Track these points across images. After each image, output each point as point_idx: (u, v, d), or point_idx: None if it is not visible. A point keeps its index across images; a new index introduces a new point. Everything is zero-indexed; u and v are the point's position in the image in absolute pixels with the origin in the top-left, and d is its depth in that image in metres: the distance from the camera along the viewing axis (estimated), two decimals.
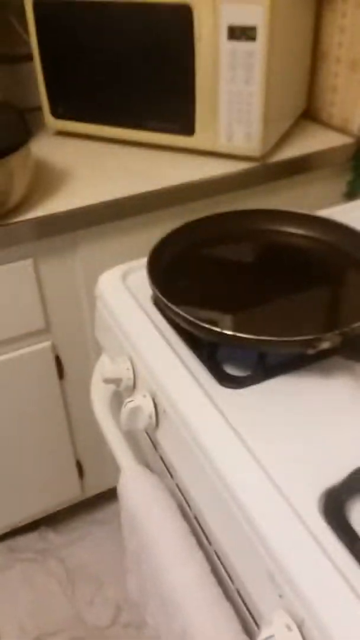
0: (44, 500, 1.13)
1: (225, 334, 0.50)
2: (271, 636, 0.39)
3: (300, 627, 0.39)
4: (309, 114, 1.06)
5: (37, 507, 1.13)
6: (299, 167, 0.93)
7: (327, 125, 1.03)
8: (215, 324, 0.51)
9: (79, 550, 1.19)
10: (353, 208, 0.80)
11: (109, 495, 1.21)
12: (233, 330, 0.50)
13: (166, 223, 0.89)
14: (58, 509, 1.16)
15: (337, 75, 0.98)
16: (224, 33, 0.81)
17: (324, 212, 0.77)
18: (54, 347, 0.94)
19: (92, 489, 1.17)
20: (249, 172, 0.89)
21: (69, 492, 1.14)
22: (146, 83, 0.89)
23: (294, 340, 0.49)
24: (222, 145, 0.90)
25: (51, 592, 1.12)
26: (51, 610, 1.10)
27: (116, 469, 0.60)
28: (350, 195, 0.99)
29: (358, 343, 0.47)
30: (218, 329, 0.50)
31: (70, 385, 1.00)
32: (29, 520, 1.16)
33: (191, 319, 0.52)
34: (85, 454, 1.11)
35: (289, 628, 0.39)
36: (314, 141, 0.96)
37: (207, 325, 0.51)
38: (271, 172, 0.91)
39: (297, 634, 0.39)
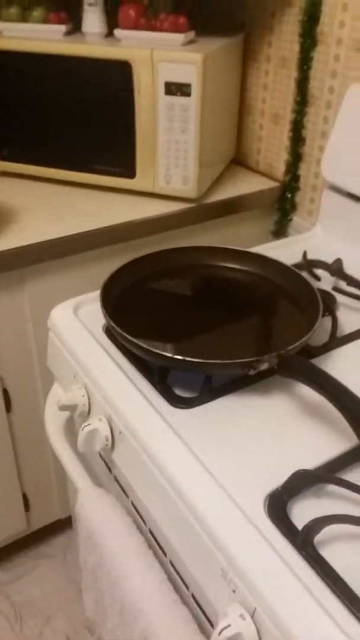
0: None
1: (176, 358, 0.55)
2: (227, 626, 0.44)
3: (252, 616, 0.44)
4: (239, 160, 1.16)
5: None
6: (231, 207, 1.02)
7: (255, 171, 1.13)
8: (164, 349, 0.56)
9: (25, 586, 1.18)
10: (281, 245, 0.88)
11: (55, 528, 1.21)
12: (182, 355, 0.55)
13: (110, 259, 0.95)
14: (4, 544, 1.16)
15: (261, 126, 1.09)
16: (161, 88, 0.89)
17: (255, 249, 0.86)
18: (1, 381, 0.96)
19: (38, 522, 1.18)
20: (186, 212, 0.97)
21: (15, 526, 1.14)
22: (91, 130, 0.96)
23: (237, 362, 0.55)
24: (161, 188, 0.98)
25: None
26: None
27: (62, 501, 0.63)
28: (277, 234, 1.09)
29: (292, 363, 0.54)
30: (169, 354, 0.56)
31: (17, 418, 1.02)
32: None
33: (145, 346, 0.57)
34: (31, 487, 1.12)
35: (242, 617, 0.44)
36: (244, 185, 1.06)
37: (159, 352, 0.56)
38: (206, 212, 0.99)
39: (250, 622, 0.44)
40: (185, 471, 0.52)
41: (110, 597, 0.58)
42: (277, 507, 0.49)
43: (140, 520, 0.61)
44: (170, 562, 0.57)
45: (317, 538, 0.46)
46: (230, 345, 0.62)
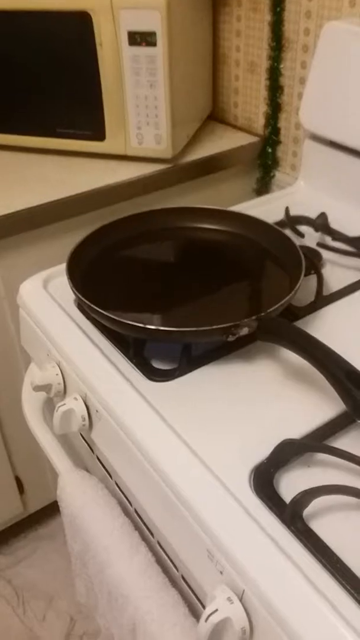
0: None
1: (149, 328, 0.51)
2: (215, 610, 0.41)
3: (241, 599, 0.41)
4: (216, 115, 1.10)
5: None
6: (210, 166, 0.96)
7: (234, 126, 1.07)
8: (138, 320, 0.52)
9: (26, 569, 1.17)
10: (262, 202, 0.83)
11: (53, 509, 1.19)
12: (156, 325, 0.51)
13: (84, 228, 0.88)
14: (1, 529, 1.14)
15: (237, 77, 1.03)
16: (124, 39, 0.83)
17: (235, 207, 0.81)
18: None
19: (35, 505, 1.15)
20: (162, 174, 0.91)
21: (11, 510, 1.12)
22: (54, 90, 0.90)
23: (214, 329, 0.51)
24: (133, 149, 0.92)
25: (1, 613, 1.10)
26: (3, 630, 1.07)
27: (57, 481, 0.60)
28: (259, 192, 1.04)
29: (273, 326, 0.50)
30: (141, 325, 0.51)
31: (1, 400, 0.98)
32: None
33: (115, 317, 0.53)
34: (23, 469, 1.09)
35: (230, 600, 0.41)
36: (222, 141, 1.00)
37: (130, 322, 0.52)
38: (183, 172, 0.94)
39: (239, 605, 0.41)
40: (164, 448, 0.49)
41: (99, 583, 0.56)
42: (264, 480, 0.46)
43: (126, 501, 0.58)
44: (158, 543, 0.54)
45: (307, 511, 0.43)
46: (209, 311, 0.58)
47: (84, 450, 0.65)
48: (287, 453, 0.46)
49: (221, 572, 0.43)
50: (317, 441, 0.48)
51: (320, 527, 0.42)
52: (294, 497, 0.42)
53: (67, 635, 1.06)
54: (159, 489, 0.48)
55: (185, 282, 0.63)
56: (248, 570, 0.40)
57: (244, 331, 0.52)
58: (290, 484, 0.45)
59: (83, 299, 0.56)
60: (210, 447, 0.49)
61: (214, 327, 0.51)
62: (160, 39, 0.82)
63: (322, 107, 0.78)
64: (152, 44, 0.82)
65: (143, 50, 0.83)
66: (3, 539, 1.20)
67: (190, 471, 0.47)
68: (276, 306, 0.53)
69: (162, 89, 0.86)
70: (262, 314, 0.52)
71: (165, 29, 0.81)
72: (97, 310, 0.54)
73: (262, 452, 0.48)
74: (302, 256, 0.60)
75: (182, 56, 0.88)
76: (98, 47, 0.84)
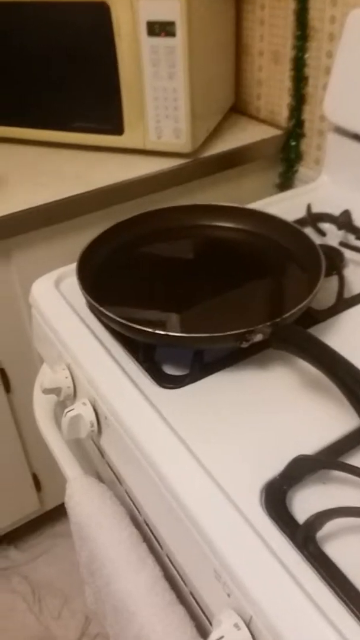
0: (2, 517, 1.10)
1: (158, 333, 0.49)
2: (221, 637, 0.38)
3: (248, 625, 0.39)
4: (238, 107, 1.07)
5: None
6: (231, 161, 0.93)
7: (256, 119, 1.03)
8: (147, 324, 0.50)
9: (43, 565, 1.16)
10: (283, 199, 0.80)
11: None
12: (166, 330, 0.49)
13: (101, 225, 0.87)
14: (17, 525, 1.14)
15: (261, 68, 0.99)
16: (143, 29, 0.80)
17: (255, 205, 0.78)
18: None
19: (51, 502, 1.15)
20: (181, 169, 0.89)
21: (28, 506, 1.12)
22: (71, 83, 0.88)
23: (226, 335, 0.49)
24: (152, 143, 0.90)
25: (17, 610, 1.10)
26: (19, 627, 1.07)
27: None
28: (282, 187, 1.00)
29: (287, 334, 0.47)
30: (150, 330, 0.49)
31: (18, 398, 0.98)
32: None
33: (121, 321, 0.51)
34: (40, 466, 1.08)
35: (237, 627, 0.39)
36: (244, 134, 0.97)
37: (139, 327, 0.50)
38: (203, 167, 0.91)
39: (246, 632, 0.38)
40: (172, 460, 0.47)
41: (105, 594, 0.54)
42: (275, 498, 0.43)
43: (135, 510, 0.56)
44: (167, 556, 0.52)
45: (320, 533, 0.40)
46: (224, 315, 0.56)
47: (95, 454, 0.63)
48: (301, 469, 0.44)
49: (228, 595, 0.41)
50: (333, 457, 0.45)
51: (334, 550, 0.40)
52: (308, 519, 0.39)
53: (81, 635, 1.05)
54: (165, 502, 0.46)
55: (199, 283, 0.60)
56: (256, 596, 0.38)
57: (258, 337, 0.49)
58: (303, 503, 0.43)
59: (92, 301, 0.54)
60: (220, 460, 0.46)
61: (227, 333, 0.48)
62: (180, 29, 0.79)
63: (348, 99, 0.74)
64: (172, 34, 0.80)
65: (162, 41, 0.80)
66: (20, 535, 1.20)
67: (197, 485, 0.45)
68: (293, 311, 0.50)
69: (181, 80, 0.83)
70: (278, 319, 0.49)
71: (185, 18, 0.78)
72: (106, 314, 0.52)
73: (275, 466, 0.45)
74: (322, 256, 0.57)
75: (202, 47, 0.85)
76: (116, 38, 0.81)
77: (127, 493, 0.57)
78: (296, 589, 0.38)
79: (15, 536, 1.20)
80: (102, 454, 0.61)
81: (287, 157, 0.97)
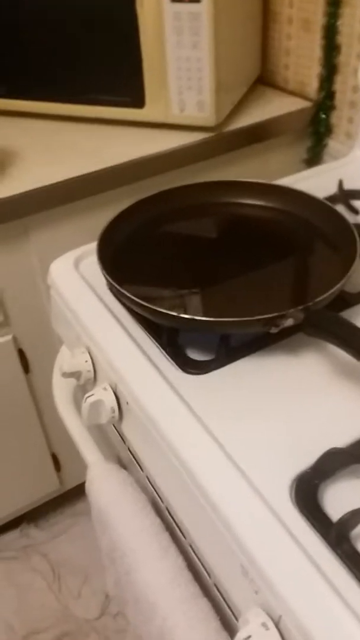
0: (22, 496, 1.10)
1: (182, 317, 0.47)
2: (249, 637, 0.37)
3: (277, 625, 0.37)
4: (264, 79, 1.02)
5: (16, 504, 1.11)
6: (257, 135, 0.89)
7: (283, 90, 0.99)
8: (172, 307, 0.48)
9: (63, 544, 1.17)
10: (312, 174, 0.76)
11: None
12: (191, 314, 0.46)
13: (122, 202, 0.84)
14: (38, 504, 1.14)
15: (290, 36, 0.94)
16: None
17: (282, 181, 0.74)
18: (15, 341, 0.90)
19: (71, 481, 1.15)
20: (205, 143, 0.85)
21: (48, 486, 1.12)
22: (89, 54, 0.84)
23: (255, 320, 0.46)
24: (174, 117, 0.86)
25: (37, 588, 1.10)
26: (38, 606, 1.08)
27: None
28: (310, 162, 0.96)
29: (322, 321, 0.44)
30: (174, 313, 0.47)
31: (37, 379, 0.97)
32: (9, 518, 1.13)
33: (145, 304, 0.48)
34: (60, 446, 1.08)
35: (265, 627, 0.37)
36: (271, 107, 0.93)
37: (163, 310, 0.47)
38: (228, 142, 0.87)
39: (275, 632, 0.37)
40: (196, 449, 0.45)
41: (126, 583, 0.53)
42: (307, 492, 0.41)
43: (157, 497, 0.55)
44: (190, 546, 0.51)
45: (355, 531, 0.38)
46: (251, 298, 0.53)
47: (117, 439, 0.62)
48: (333, 463, 0.41)
49: (256, 592, 0.39)
50: None
51: None
52: (342, 517, 0.37)
53: (101, 614, 1.06)
54: (189, 492, 0.44)
55: (225, 263, 0.57)
56: (285, 594, 0.36)
57: (289, 322, 0.47)
58: (335, 498, 0.41)
59: (113, 282, 0.52)
60: (247, 450, 0.44)
61: (256, 317, 0.46)
62: None
63: None
64: None
65: (186, 7, 0.76)
66: (40, 514, 1.20)
67: (223, 476, 0.43)
68: (326, 295, 0.47)
69: (205, 50, 0.79)
70: (310, 303, 0.46)
71: None
72: (128, 296, 0.50)
73: (306, 458, 0.43)
74: (356, 235, 0.54)
75: (228, 13, 0.81)
76: (138, 5, 0.77)
77: (148, 479, 0.56)
78: (328, 588, 0.36)
79: (35, 515, 1.20)
80: (123, 439, 0.59)
81: (316, 130, 0.93)
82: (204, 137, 0.85)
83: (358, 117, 0.87)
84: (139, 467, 0.57)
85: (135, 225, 0.61)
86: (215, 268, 0.57)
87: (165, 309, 0.48)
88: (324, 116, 0.92)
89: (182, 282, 0.55)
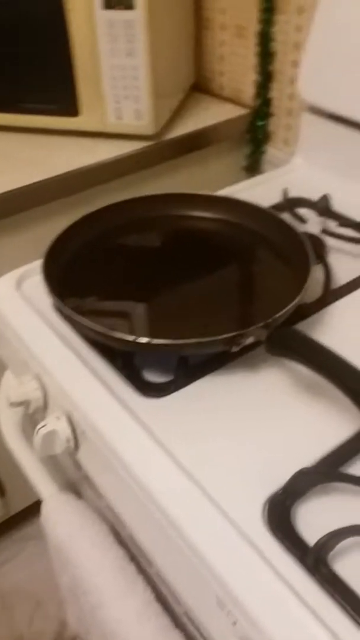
0: None
1: (140, 342, 0.45)
2: None
3: None
4: (199, 85, 1.01)
5: None
6: (196, 143, 0.88)
7: (219, 97, 0.98)
8: (127, 331, 0.46)
9: (12, 570, 1.12)
10: (256, 183, 0.76)
11: (38, 508, 1.14)
12: (149, 337, 0.45)
13: (64, 215, 0.82)
14: None
15: (223, 43, 0.94)
16: (98, 2, 0.74)
17: (226, 191, 0.73)
18: None
19: (17, 505, 1.10)
20: (144, 152, 0.83)
21: None
22: (20, 61, 0.81)
23: (217, 340, 0.45)
24: (111, 125, 0.84)
25: None
26: None
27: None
28: (249, 169, 0.96)
29: (283, 338, 0.44)
30: (131, 338, 0.45)
31: None
32: None
33: (99, 329, 0.46)
34: (3, 470, 1.03)
35: None
36: (208, 114, 0.92)
37: (119, 336, 0.45)
38: (167, 150, 0.86)
39: None
40: (161, 477, 0.43)
41: (91, 620, 0.50)
42: (280, 515, 0.40)
43: (119, 526, 0.52)
44: (157, 575, 0.49)
45: (332, 554, 0.37)
46: (209, 316, 0.51)
47: (71, 467, 0.59)
48: (303, 483, 0.40)
49: (234, 623, 0.38)
50: (335, 466, 0.42)
51: (346, 570, 0.37)
52: (319, 541, 0.36)
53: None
54: (156, 523, 0.42)
55: (178, 280, 0.56)
56: (266, 625, 0.35)
57: (250, 340, 0.46)
58: (307, 517, 0.40)
59: (63, 306, 0.49)
60: (215, 475, 0.43)
61: (217, 338, 0.44)
62: (139, 1, 0.73)
63: (324, 76, 0.71)
64: (130, 7, 0.73)
65: (120, 15, 0.74)
66: None
67: (192, 503, 0.41)
68: (285, 310, 0.47)
69: (141, 58, 0.77)
70: (270, 320, 0.45)
71: None
72: (79, 320, 0.47)
73: (275, 479, 0.42)
74: (308, 247, 0.54)
75: (162, 20, 0.79)
76: (68, 12, 0.75)
77: (108, 508, 0.53)
78: (309, 615, 0.35)
79: None
80: (78, 467, 0.57)
81: (254, 137, 0.93)
82: (143, 146, 0.83)
83: (295, 124, 0.88)
84: (96, 496, 0.55)
85: (82, 242, 0.58)
86: (168, 285, 0.55)
87: (121, 333, 0.46)
88: (261, 123, 0.92)
89: (134, 302, 0.53)
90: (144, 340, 0.44)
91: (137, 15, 0.74)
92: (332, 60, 0.69)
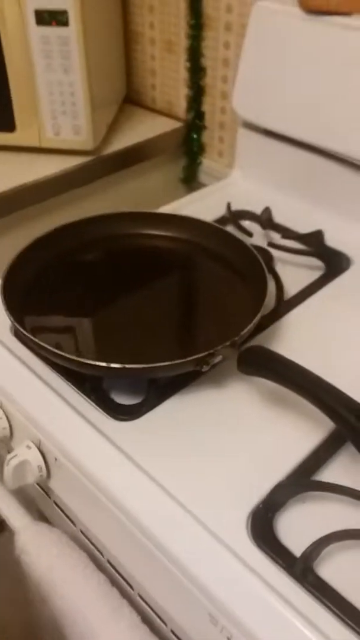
0: None
1: (114, 367, 0.45)
2: None
3: None
4: (131, 98, 1.02)
5: None
6: (135, 156, 0.89)
7: (152, 110, 1.00)
8: (97, 357, 0.46)
9: None
10: (199, 197, 0.78)
11: None
12: (120, 362, 0.45)
13: (2, 235, 0.80)
14: None
15: (153, 57, 0.95)
16: (31, 18, 0.73)
17: (170, 207, 0.75)
18: None
19: None
20: (84, 168, 0.83)
21: None
22: None
23: (187, 361, 0.46)
24: (49, 141, 0.83)
25: None
26: None
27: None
28: (186, 180, 0.98)
29: (257, 359, 0.45)
30: (103, 364, 0.45)
31: None
32: None
33: (70, 357, 0.46)
34: None
35: None
36: (144, 128, 0.93)
37: (90, 362, 0.45)
38: (106, 165, 0.86)
39: None
40: (144, 501, 0.43)
41: None
42: (263, 528, 0.41)
43: (96, 551, 0.52)
44: (140, 596, 0.49)
45: (317, 562, 0.39)
46: (173, 337, 0.53)
47: (40, 497, 0.58)
48: (283, 495, 0.42)
49: (229, 639, 0.39)
50: (308, 475, 0.45)
51: (331, 575, 0.39)
52: (305, 551, 0.38)
53: None
54: (139, 546, 0.43)
55: (136, 300, 0.56)
56: (263, 637, 0.37)
57: (219, 359, 0.47)
58: (290, 528, 0.42)
59: (25, 331, 0.49)
60: (196, 493, 0.44)
61: (187, 359, 0.45)
62: (73, 18, 0.73)
63: (256, 94, 0.73)
64: (64, 23, 0.73)
65: (54, 31, 0.73)
66: None
67: (176, 524, 0.42)
68: (250, 325, 0.48)
69: (78, 74, 0.77)
70: (236, 337, 0.47)
71: (78, 6, 0.72)
72: (46, 348, 0.47)
73: (254, 493, 0.43)
74: (262, 262, 0.56)
75: (95, 36, 0.79)
76: (0, 27, 0.73)
77: (83, 533, 0.53)
78: (303, 622, 0.36)
79: None
80: (48, 495, 0.56)
81: (189, 150, 0.95)
82: (84, 161, 0.83)
83: (228, 137, 0.91)
84: (68, 521, 0.54)
85: (38, 266, 0.57)
86: (130, 305, 0.56)
87: (90, 359, 0.46)
88: (195, 136, 0.94)
89: (97, 324, 0.53)
90: (116, 365, 0.45)
91: (72, 32, 0.74)
92: (264, 78, 0.72)
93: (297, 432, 0.48)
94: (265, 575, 0.39)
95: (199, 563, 0.40)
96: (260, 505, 0.42)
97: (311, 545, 0.38)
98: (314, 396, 0.40)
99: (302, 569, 0.38)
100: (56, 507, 0.55)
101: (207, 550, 0.40)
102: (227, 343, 0.46)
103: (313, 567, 0.39)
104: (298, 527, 0.42)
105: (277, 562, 0.39)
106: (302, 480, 0.44)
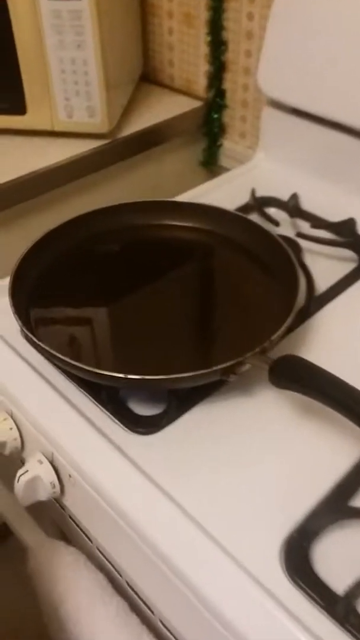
0: None
1: (132, 379, 0.41)
2: None
3: None
4: (148, 76, 0.96)
5: None
6: (152, 139, 0.84)
7: (170, 88, 0.94)
8: (115, 368, 0.41)
9: None
10: (221, 183, 0.73)
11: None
12: (140, 373, 0.41)
13: (14, 225, 0.75)
14: None
15: (171, 31, 0.89)
16: None
17: (190, 194, 0.70)
18: None
19: None
20: (99, 152, 0.78)
21: None
22: None
23: (211, 372, 0.41)
24: (62, 124, 0.78)
25: None
26: None
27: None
28: (206, 164, 0.92)
29: (286, 368, 0.41)
30: (121, 375, 0.41)
31: None
32: None
33: (86, 367, 0.42)
34: None
35: None
36: (161, 108, 0.87)
37: (107, 373, 0.41)
38: (123, 149, 0.81)
39: None
40: (164, 526, 0.39)
41: None
42: (298, 561, 0.37)
43: (114, 572, 0.49)
44: (161, 622, 0.45)
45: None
46: (194, 340, 0.48)
47: (55, 510, 0.54)
48: (319, 523, 0.38)
49: None
50: (344, 499, 0.40)
51: None
52: (348, 590, 0.34)
53: None
54: (160, 574, 0.39)
55: (160, 301, 0.52)
56: None
57: (246, 367, 0.43)
58: (328, 559, 0.38)
59: (37, 340, 0.44)
60: (221, 519, 0.40)
61: (213, 369, 0.41)
62: None
63: (284, 70, 0.67)
64: None
65: (65, 4, 0.68)
66: None
67: (201, 554, 0.38)
68: (280, 330, 0.44)
69: (91, 50, 0.71)
70: (266, 344, 0.42)
71: None
72: (63, 359, 0.43)
73: (287, 518, 0.39)
74: (294, 258, 0.51)
75: (110, 10, 0.74)
76: (9, 2, 0.68)
77: (100, 552, 0.49)
78: None
79: None
80: (63, 508, 0.52)
81: (209, 131, 0.89)
82: (99, 144, 0.78)
83: (251, 116, 0.85)
84: (86, 538, 0.51)
85: (49, 262, 0.53)
86: (148, 305, 0.51)
87: (107, 368, 0.42)
88: (216, 116, 0.88)
89: (113, 328, 0.49)
90: (135, 376, 0.41)
91: (84, 5, 0.68)
92: (292, 52, 0.66)
93: (333, 449, 0.43)
94: (304, 618, 0.35)
95: (226, 600, 0.36)
96: (295, 534, 0.38)
97: (356, 583, 0.34)
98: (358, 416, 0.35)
99: (345, 609, 0.34)
100: (72, 522, 0.52)
101: (235, 585, 0.36)
102: (257, 350, 0.42)
103: (356, 608, 0.35)
104: (336, 558, 0.38)
105: (316, 601, 0.35)
106: (339, 505, 0.39)
